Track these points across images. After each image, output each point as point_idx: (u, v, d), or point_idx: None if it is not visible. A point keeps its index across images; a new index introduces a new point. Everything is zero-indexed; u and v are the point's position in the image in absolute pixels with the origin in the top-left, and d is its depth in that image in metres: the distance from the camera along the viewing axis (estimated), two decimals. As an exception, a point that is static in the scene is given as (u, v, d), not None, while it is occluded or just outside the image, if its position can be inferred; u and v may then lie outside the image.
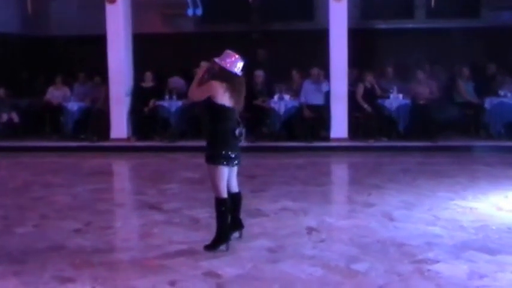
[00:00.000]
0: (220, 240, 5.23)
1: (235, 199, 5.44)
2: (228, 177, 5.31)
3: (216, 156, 5.18)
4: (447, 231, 5.72)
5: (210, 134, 5.30)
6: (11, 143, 12.01)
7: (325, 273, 4.66)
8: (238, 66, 5.22)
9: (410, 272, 4.65)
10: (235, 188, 5.46)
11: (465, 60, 12.37)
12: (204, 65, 5.37)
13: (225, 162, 5.18)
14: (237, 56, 5.25)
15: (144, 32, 12.82)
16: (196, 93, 5.29)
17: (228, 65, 5.18)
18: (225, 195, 5.22)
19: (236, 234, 5.51)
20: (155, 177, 9.02)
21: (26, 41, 14.54)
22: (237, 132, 5.23)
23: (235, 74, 5.22)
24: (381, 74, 12.22)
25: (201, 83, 5.27)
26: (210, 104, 5.19)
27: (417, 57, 12.36)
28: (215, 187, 5.21)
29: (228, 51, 5.27)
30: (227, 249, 5.21)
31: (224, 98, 5.16)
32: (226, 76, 5.19)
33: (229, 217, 5.34)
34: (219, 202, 5.22)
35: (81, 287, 4.45)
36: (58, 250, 5.34)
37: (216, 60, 5.23)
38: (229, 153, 5.18)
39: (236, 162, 5.29)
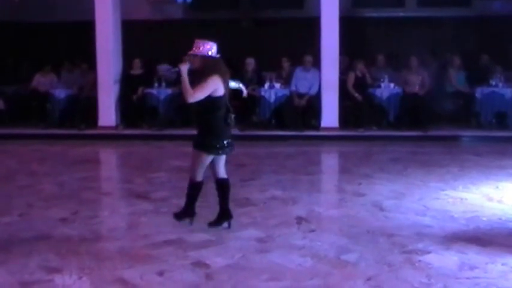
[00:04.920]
0: (187, 213, 5.50)
1: (223, 186, 5.45)
2: (218, 164, 5.38)
3: (205, 145, 5.22)
4: (437, 221, 5.69)
5: (203, 123, 5.29)
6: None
7: (314, 264, 4.61)
8: (215, 50, 5.27)
9: (400, 262, 4.61)
10: (223, 174, 5.46)
11: (456, 49, 12.34)
12: (183, 67, 5.24)
13: (213, 151, 5.24)
14: (207, 41, 5.26)
15: (132, 18, 12.67)
16: (198, 95, 5.15)
17: (210, 52, 5.21)
18: (200, 179, 5.38)
19: (225, 225, 5.48)
20: (143, 165, 8.94)
21: (12, 27, 14.32)
22: (228, 119, 5.27)
23: (219, 59, 5.28)
24: (372, 62, 12.16)
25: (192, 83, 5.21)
26: (209, 98, 5.16)
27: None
28: (194, 171, 5.35)
29: (198, 40, 5.27)
30: (191, 223, 5.50)
31: (221, 90, 5.19)
32: (215, 64, 5.20)
33: (198, 196, 5.49)
34: (194, 185, 5.41)
35: (67, 277, 4.37)
36: (44, 239, 5.25)
37: (194, 52, 5.22)
38: (224, 141, 5.25)
39: (230, 148, 5.34)
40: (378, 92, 11.43)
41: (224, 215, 5.48)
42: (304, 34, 12.54)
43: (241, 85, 5.98)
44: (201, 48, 5.21)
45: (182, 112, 12.01)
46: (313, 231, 5.51)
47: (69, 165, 9.03)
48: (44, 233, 5.43)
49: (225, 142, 5.25)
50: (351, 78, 11.51)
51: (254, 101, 11.45)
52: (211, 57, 5.23)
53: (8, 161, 9.40)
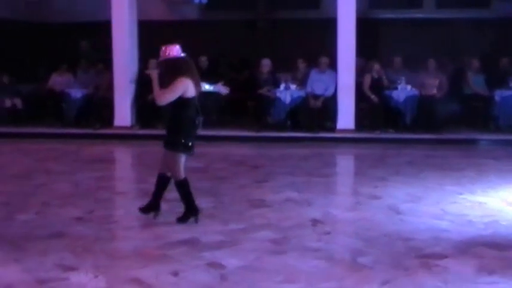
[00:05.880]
0: (190, 213, 5.57)
1: (163, 182, 5.63)
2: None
3: (177, 144, 5.39)
4: (455, 225, 5.62)
5: (172, 122, 5.47)
6: (14, 129, 11.92)
7: (329, 266, 4.58)
8: (179, 51, 5.41)
9: (416, 266, 4.55)
10: (168, 173, 5.60)
11: (475, 52, 12.22)
12: (152, 71, 5.51)
13: (184, 151, 5.44)
14: (171, 45, 5.42)
15: (149, 18, 12.71)
16: (168, 97, 5.32)
17: (176, 53, 5.36)
18: (183, 175, 5.50)
19: (151, 215, 5.67)
20: (158, 165, 8.90)
21: (29, 27, 14.43)
22: (196, 121, 5.46)
23: (187, 58, 5.44)
24: (388, 64, 12.09)
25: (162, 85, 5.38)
26: (179, 98, 5.30)
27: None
28: (174, 172, 5.49)
29: (163, 46, 5.44)
30: (197, 221, 5.55)
31: (191, 91, 5.33)
32: (182, 64, 5.36)
33: (191, 191, 5.58)
34: (180, 184, 5.52)
35: (83, 275, 4.38)
36: (60, 238, 5.27)
37: (161, 59, 5.39)
38: (188, 142, 5.40)
39: (192, 151, 5.51)
40: (395, 94, 11.35)
41: (155, 207, 5.67)
42: (320, 35, 12.52)
43: (217, 87, 6.18)
44: (167, 54, 5.37)
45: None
46: (328, 233, 5.48)
47: (85, 164, 9.07)
48: (60, 232, 5.44)
49: (189, 142, 5.41)
50: (367, 80, 11.45)
51: (269, 102, 11.42)
52: (174, 58, 5.36)
53: (25, 160, 9.47)
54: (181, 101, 5.33)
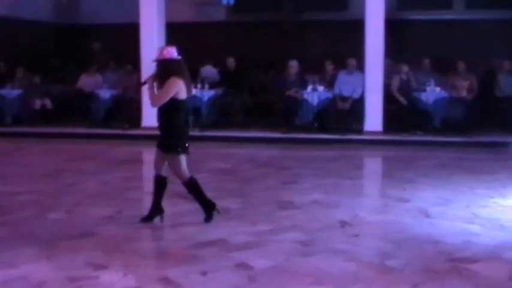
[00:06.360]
0: (209, 208, 5.65)
1: (161, 183, 5.66)
2: (164, 163, 5.59)
3: (175, 146, 5.47)
4: (486, 229, 5.54)
5: (166, 124, 5.52)
6: (44, 129, 12.09)
7: (358, 269, 4.55)
8: (175, 53, 5.48)
9: (446, 270, 4.50)
10: (165, 173, 5.67)
11: (506, 53, 12.03)
12: (148, 79, 5.59)
13: (183, 152, 5.50)
14: (167, 46, 5.58)
15: (176, 21, 12.79)
16: (162, 98, 5.40)
17: (169, 55, 5.43)
18: (188, 175, 5.57)
19: (158, 219, 5.66)
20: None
21: (58, 29, 14.66)
22: (189, 122, 5.65)
23: (180, 59, 5.49)
24: (417, 66, 11.97)
25: (156, 87, 5.48)
26: (171, 100, 5.36)
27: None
28: (178, 174, 5.57)
29: (159, 47, 5.61)
30: (219, 212, 5.68)
31: (183, 92, 5.41)
32: (175, 66, 5.43)
33: (201, 189, 5.65)
34: (189, 183, 5.60)
35: (113, 274, 4.42)
36: (90, 236, 5.34)
37: (157, 59, 5.46)
38: (185, 143, 5.49)
39: (187, 152, 5.56)
40: (423, 96, 11.23)
41: (157, 210, 5.69)
42: (348, 36, 12.46)
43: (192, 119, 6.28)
44: (163, 53, 5.45)
45: (225, 114, 12.07)
46: (356, 235, 5.45)
47: (113, 164, 9.16)
48: (90, 230, 5.51)
49: (185, 144, 5.49)
50: (396, 81, 11.36)
51: (296, 103, 11.40)
52: (170, 59, 5.42)
53: (55, 159, 9.60)
54: (174, 103, 5.40)
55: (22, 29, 13.49)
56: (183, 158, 5.53)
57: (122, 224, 5.74)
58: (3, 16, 13.09)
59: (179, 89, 5.39)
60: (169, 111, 5.44)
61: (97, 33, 14.33)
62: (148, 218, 5.71)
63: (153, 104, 5.50)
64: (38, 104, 12.78)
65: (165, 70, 5.44)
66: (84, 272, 4.47)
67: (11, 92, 12.51)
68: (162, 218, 5.72)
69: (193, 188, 5.66)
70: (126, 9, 13.32)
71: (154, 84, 5.51)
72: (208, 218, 5.65)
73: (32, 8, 13.94)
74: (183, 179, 5.58)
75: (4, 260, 4.70)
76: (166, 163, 5.61)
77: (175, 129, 5.48)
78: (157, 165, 5.66)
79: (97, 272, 4.45)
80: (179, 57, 5.54)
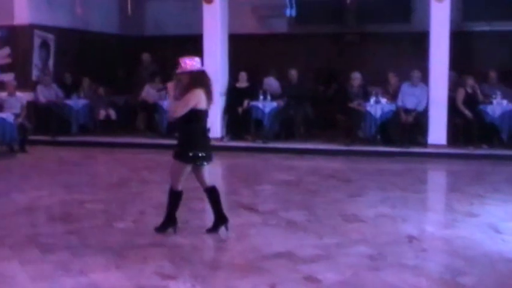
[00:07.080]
0: (168, 223, 5.73)
1: (212, 194, 5.73)
2: (198, 175, 5.65)
3: (184, 155, 5.47)
4: (562, 247, 5.34)
5: (182, 133, 5.55)
6: (109, 139, 12.37)
7: (429, 285, 4.46)
8: (199, 64, 5.54)
9: (522, 289, 4.37)
10: (209, 183, 5.71)
11: None
12: (169, 85, 5.64)
13: (191, 161, 5.48)
14: (191, 57, 5.52)
15: (239, 32, 12.91)
16: (181, 110, 5.42)
17: (194, 67, 5.45)
18: (180, 188, 5.63)
19: (224, 231, 5.70)
20: (249, 177, 9.01)
21: (123, 40, 15.01)
22: (207, 132, 5.62)
23: (204, 71, 5.57)
24: (483, 78, 11.68)
25: (177, 98, 5.50)
26: (191, 110, 5.38)
27: None
28: (174, 180, 5.61)
29: (182, 58, 5.53)
30: (175, 232, 5.70)
31: (203, 103, 5.40)
32: (200, 77, 5.46)
33: (179, 205, 5.71)
34: (174, 194, 5.66)
35: (181, 284, 4.46)
36: (158, 246, 5.40)
37: (180, 70, 5.46)
38: (199, 153, 5.47)
39: (205, 160, 5.54)
40: (490, 109, 10.95)
41: (220, 220, 5.73)
42: (412, 48, 12.28)
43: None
44: (187, 65, 5.46)
45: (287, 125, 12.07)
46: (425, 250, 5.36)
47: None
48: (157, 240, 5.58)
49: (199, 153, 5.47)
50: (461, 94, 11.10)
51: (360, 116, 11.30)
52: (194, 71, 5.44)
53: (121, 169, 9.79)
54: (193, 112, 5.41)
55: (88, 41, 13.88)
56: (186, 169, 5.53)
57: (187, 234, 5.78)
58: (70, 28, 13.51)
59: (199, 99, 5.41)
60: (187, 120, 5.46)
61: (162, 43, 14.59)
62: (213, 229, 5.75)
63: (171, 115, 5.57)
64: (102, 114, 13.10)
65: (190, 82, 5.45)
66: (152, 281, 4.53)
67: (77, 102, 12.87)
68: (175, 230, 5.75)
69: (173, 199, 5.68)
70: (189, 21, 13.54)
71: (173, 92, 5.55)
72: (160, 229, 5.73)
73: (98, 20, 14.34)
74: (174, 186, 5.62)
75: (74, 268, 4.81)
76: (200, 174, 5.64)
77: (189, 138, 5.51)
78: (199, 179, 5.70)
79: (165, 282, 4.50)
80: (202, 68, 5.59)
